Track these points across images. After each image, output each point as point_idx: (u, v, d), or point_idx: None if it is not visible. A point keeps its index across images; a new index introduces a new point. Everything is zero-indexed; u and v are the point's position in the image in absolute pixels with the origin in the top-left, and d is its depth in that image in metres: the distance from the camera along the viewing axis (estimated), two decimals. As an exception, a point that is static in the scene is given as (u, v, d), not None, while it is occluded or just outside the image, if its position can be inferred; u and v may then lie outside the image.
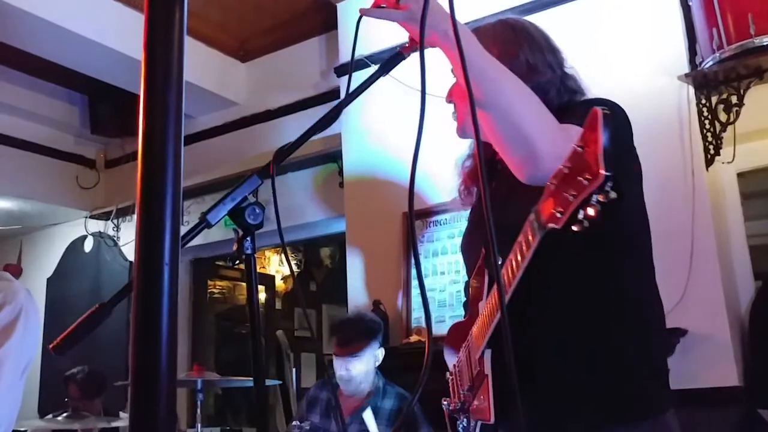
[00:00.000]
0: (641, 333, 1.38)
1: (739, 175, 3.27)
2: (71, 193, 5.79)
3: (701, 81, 3.01)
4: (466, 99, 1.01)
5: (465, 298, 1.67)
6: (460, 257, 1.69)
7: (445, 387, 1.58)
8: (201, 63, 4.88)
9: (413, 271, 3.65)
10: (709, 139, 3.02)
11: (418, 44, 1.15)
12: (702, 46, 2.99)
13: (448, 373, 1.59)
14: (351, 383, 2.99)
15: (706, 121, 3.03)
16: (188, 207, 5.17)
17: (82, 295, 5.59)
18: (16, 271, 5.57)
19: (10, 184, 5.48)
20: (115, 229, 5.67)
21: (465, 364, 1.48)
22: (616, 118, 1.33)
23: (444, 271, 3.56)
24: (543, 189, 1.00)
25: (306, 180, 4.74)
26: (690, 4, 3.06)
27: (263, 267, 7.08)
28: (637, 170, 1.41)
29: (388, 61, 1.29)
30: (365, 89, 1.25)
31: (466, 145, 1.65)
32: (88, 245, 5.78)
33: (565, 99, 1.44)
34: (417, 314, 3.58)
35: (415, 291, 3.63)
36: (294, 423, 2.98)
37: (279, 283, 7.21)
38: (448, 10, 1.06)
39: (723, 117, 3.00)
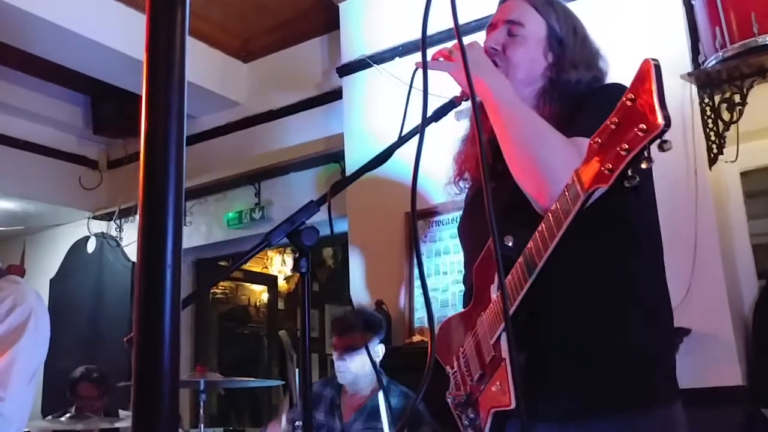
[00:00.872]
0: (652, 328, 1.39)
1: (743, 174, 3.26)
2: (74, 194, 5.79)
3: (704, 80, 3.00)
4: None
5: (464, 289, 1.61)
6: (462, 257, 1.67)
7: (447, 384, 1.56)
8: (203, 63, 4.88)
9: (416, 271, 3.65)
10: (712, 138, 3.01)
11: (469, 95, 1.33)
12: (705, 45, 2.98)
13: (448, 367, 1.56)
14: (346, 375, 2.99)
15: (709, 120, 3.02)
16: (191, 207, 5.18)
17: (85, 295, 5.59)
18: (19, 271, 5.57)
19: (13, 185, 5.48)
20: (118, 229, 5.67)
21: (473, 353, 1.44)
22: None
23: (446, 271, 3.55)
24: None
25: (308, 180, 4.74)
26: (693, 2, 3.06)
27: (265, 267, 7.08)
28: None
29: (441, 109, 1.43)
30: (423, 130, 1.20)
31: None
32: (91, 246, 5.79)
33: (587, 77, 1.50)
34: (419, 314, 3.58)
35: (417, 291, 3.63)
36: (295, 424, 2.96)
37: (281, 284, 7.22)
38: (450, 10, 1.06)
39: (726, 116, 2.99)
